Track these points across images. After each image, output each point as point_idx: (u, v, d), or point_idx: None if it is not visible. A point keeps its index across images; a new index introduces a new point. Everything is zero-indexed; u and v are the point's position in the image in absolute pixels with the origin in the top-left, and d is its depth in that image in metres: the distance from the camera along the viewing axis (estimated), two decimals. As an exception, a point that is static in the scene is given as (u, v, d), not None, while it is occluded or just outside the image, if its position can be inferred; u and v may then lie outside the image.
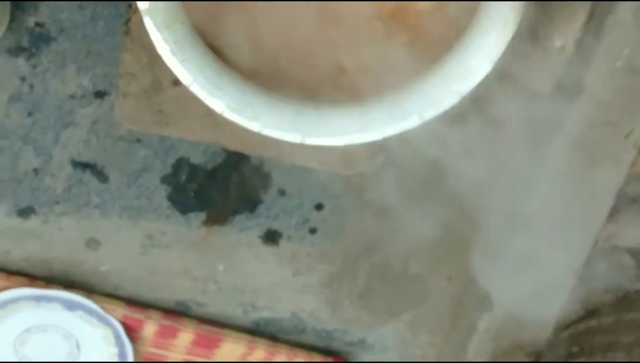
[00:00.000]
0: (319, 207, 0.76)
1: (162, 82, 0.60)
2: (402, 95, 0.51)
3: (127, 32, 0.60)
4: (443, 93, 0.50)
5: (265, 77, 0.53)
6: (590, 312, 0.81)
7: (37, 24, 0.68)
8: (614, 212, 0.75)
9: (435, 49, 0.52)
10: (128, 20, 0.60)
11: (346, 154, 0.66)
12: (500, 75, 0.54)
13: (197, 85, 0.49)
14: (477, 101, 0.58)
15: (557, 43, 0.58)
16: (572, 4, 0.56)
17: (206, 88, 0.49)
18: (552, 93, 0.62)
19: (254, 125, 0.50)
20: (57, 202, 0.75)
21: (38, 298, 0.77)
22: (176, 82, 0.49)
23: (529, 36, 0.55)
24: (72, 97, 0.70)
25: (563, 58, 0.59)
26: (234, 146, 0.64)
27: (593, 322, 0.79)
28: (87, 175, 0.74)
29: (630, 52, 0.65)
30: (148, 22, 0.47)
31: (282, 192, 0.75)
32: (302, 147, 0.53)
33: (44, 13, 0.68)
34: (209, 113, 0.51)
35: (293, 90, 0.53)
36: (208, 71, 0.50)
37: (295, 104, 0.51)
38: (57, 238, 0.77)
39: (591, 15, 0.62)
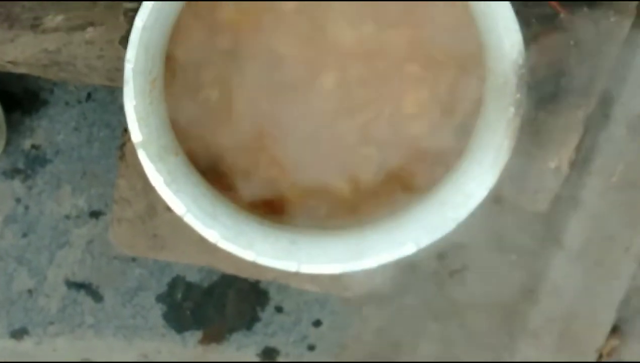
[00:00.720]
0: (317, 323, 0.75)
1: (156, 207, 0.60)
2: (398, 222, 0.50)
3: (121, 157, 0.60)
4: (439, 220, 0.49)
5: (258, 203, 0.53)
6: None
7: (33, 146, 0.68)
8: (617, 326, 0.74)
9: (429, 173, 0.52)
10: (123, 145, 0.60)
11: (342, 276, 0.65)
12: (495, 197, 0.54)
13: (191, 215, 0.49)
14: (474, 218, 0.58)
15: (552, 164, 0.58)
16: (565, 126, 0.56)
17: (200, 218, 0.49)
18: (549, 211, 0.62)
19: (248, 255, 0.49)
20: (51, 323, 0.74)
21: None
22: (170, 207, 0.49)
23: (523, 159, 0.55)
24: (67, 217, 0.70)
25: (558, 179, 0.59)
26: (230, 269, 0.64)
27: None
28: (82, 295, 0.73)
29: (625, 166, 0.65)
30: (142, 154, 0.47)
31: (279, 309, 0.74)
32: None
33: (40, 136, 0.68)
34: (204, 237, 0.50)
35: (287, 216, 0.53)
36: (202, 201, 0.49)
37: (289, 232, 0.51)
38: (50, 359, 0.76)
39: (585, 132, 0.62)
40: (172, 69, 0.50)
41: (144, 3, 0.45)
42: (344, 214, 0.53)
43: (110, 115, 0.68)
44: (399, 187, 0.52)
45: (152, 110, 0.48)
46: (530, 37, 0.49)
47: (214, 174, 0.52)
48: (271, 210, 0.53)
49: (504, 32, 0.47)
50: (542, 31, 0.54)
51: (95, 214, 0.70)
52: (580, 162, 0.63)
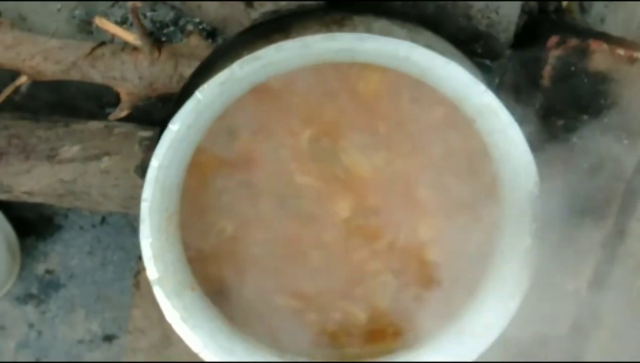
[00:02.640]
0: None
1: (171, 337, 0.59)
2: (417, 353, 0.50)
3: (136, 285, 0.59)
4: (459, 350, 0.49)
5: (275, 329, 0.52)
6: None
7: (47, 271, 0.68)
8: None
9: (447, 300, 0.51)
10: (138, 273, 0.60)
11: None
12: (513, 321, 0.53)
13: (208, 350, 0.48)
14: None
15: (570, 287, 0.57)
16: (583, 249, 0.56)
17: (217, 353, 0.48)
18: (569, 332, 0.61)
19: (265, 389, 0.48)
20: None
21: None
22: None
23: (542, 282, 0.54)
24: (81, 342, 0.70)
25: (577, 301, 0.58)
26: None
27: None
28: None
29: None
30: (157, 291, 0.47)
31: None
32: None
33: (54, 260, 0.68)
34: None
35: (306, 342, 0.52)
36: (218, 335, 0.49)
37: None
38: None
39: (603, 250, 0.62)
40: (188, 202, 0.50)
41: (160, 142, 0.45)
42: (361, 343, 0.53)
43: (124, 237, 0.68)
44: (416, 314, 0.52)
45: (168, 246, 0.47)
46: (544, 161, 0.50)
47: (228, 304, 0.51)
48: (288, 336, 0.53)
49: (519, 163, 0.47)
50: (555, 155, 0.54)
51: (108, 338, 0.69)
52: (599, 277, 0.63)
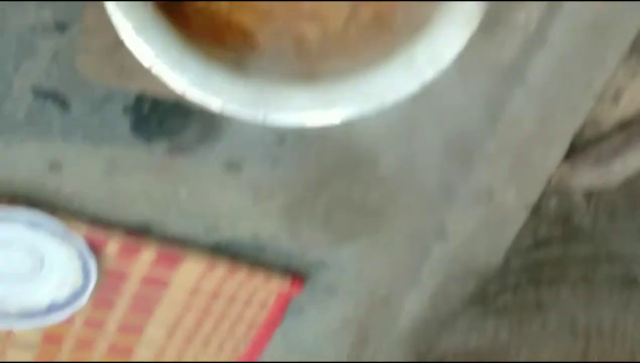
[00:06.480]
0: (281, 138, 0.77)
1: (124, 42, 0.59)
2: (365, 78, 0.51)
3: (89, -17, 0.58)
4: (406, 78, 0.50)
5: (228, 47, 0.53)
6: (540, 244, 0.84)
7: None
8: (569, 155, 0.77)
9: (400, 28, 0.52)
10: (89, -31, 0.59)
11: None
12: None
13: (160, 61, 0.49)
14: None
15: (520, 20, 0.58)
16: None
17: (168, 65, 0.49)
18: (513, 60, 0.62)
19: (215, 103, 0.50)
20: (19, 127, 0.75)
21: (1, 218, 0.78)
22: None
23: (491, 15, 0.54)
24: (33, 28, 0.69)
25: (526, 33, 0.59)
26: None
27: (542, 254, 0.82)
28: (49, 103, 0.74)
29: (595, 9, 0.66)
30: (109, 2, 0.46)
31: (244, 124, 0.76)
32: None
33: (2, -56, 0.66)
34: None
35: (257, 60, 0.53)
36: (170, 49, 0.49)
37: (256, 82, 0.51)
38: (19, 161, 0.77)
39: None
40: None
41: None
42: (312, 61, 0.53)
43: None
44: (368, 40, 0.52)
45: (120, -45, 0.46)
46: None
47: (182, 20, 0.51)
48: (239, 53, 0.53)
49: None
50: None
51: (61, 27, 0.69)
52: (552, 9, 0.63)
